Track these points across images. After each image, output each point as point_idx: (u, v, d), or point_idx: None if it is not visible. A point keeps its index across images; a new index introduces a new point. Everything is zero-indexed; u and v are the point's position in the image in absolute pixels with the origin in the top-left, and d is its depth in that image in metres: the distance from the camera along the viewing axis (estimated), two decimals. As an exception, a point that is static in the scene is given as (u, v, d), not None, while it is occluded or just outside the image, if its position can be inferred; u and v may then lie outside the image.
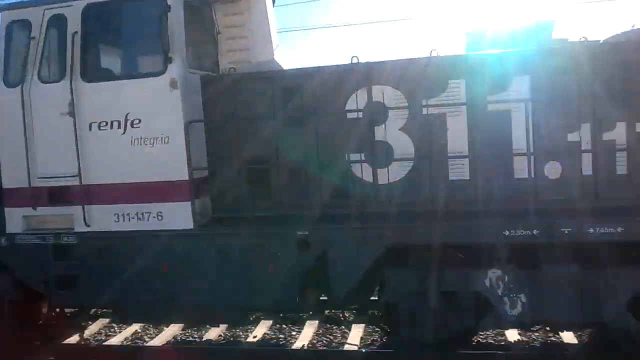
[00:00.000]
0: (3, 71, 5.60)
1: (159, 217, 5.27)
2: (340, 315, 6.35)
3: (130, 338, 6.42)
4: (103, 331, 6.68)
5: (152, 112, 5.21)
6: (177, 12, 5.15)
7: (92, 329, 6.71)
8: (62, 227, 5.54)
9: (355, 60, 5.07)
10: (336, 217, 5.06)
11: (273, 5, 6.45)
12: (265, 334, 6.31)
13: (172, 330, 6.47)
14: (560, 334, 5.70)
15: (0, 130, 5.62)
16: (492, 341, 5.81)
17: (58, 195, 5.50)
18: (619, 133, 4.72)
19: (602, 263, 4.62)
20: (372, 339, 6.05)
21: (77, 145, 5.34)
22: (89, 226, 5.41)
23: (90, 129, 5.34)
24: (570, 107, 4.78)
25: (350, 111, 5.13)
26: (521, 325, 5.21)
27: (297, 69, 5.52)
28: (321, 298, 5.58)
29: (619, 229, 4.44)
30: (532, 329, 5.81)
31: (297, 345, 5.92)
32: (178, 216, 5.22)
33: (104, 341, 6.34)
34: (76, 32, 5.33)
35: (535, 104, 4.77)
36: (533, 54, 4.91)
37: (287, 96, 5.24)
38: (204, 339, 6.30)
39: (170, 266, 5.24)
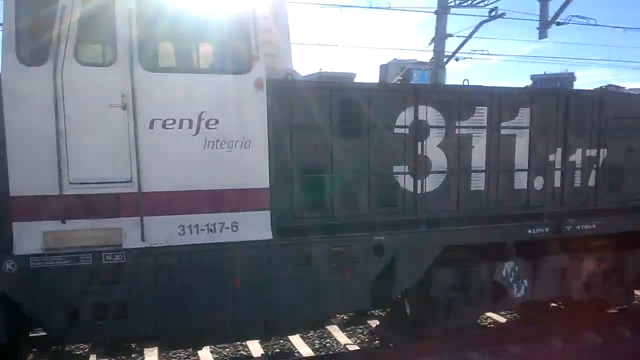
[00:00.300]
0: (15, 43, 4.30)
1: (234, 228, 4.88)
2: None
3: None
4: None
5: (233, 113, 4.81)
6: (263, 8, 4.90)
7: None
8: (100, 245, 4.57)
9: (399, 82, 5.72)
10: (401, 224, 5.61)
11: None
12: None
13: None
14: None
15: (14, 120, 4.30)
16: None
17: (103, 205, 4.54)
18: (577, 156, 6.58)
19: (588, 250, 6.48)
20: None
21: (136, 145, 4.53)
22: (144, 241, 4.64)
23: (151, 127, 4.58)
24: (551, 136, 6.41)
25: (398, 127, 5.73)
26: (524, 304, 6.66)
27: (356, 83, 5.79)
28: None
29: (593, 225, 6.28)
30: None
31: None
32: (256, 226, 4.94)
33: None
34: (131, 8, 4.51)
35: (533, 131, 6.26)
36: (534, 92, 6.40)
37: (345, 108, 5.52)
38: None
39: (244, 281, 4.93)
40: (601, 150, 6.62)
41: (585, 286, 6.54)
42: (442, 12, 16.95)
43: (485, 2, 16.45)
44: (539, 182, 6.40)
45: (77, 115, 4.39)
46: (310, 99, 5.38)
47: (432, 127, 5.85)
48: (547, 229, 6.10)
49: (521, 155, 6.27)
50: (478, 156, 6.10)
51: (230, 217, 4.88)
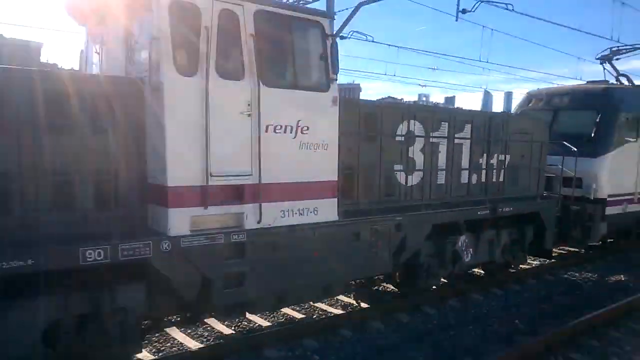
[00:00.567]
0: (172, 56, 5.13)
1: (315, 212, 6.29)
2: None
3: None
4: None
5: (318, 122, 6.21)
6: (335, 41, 6.39)
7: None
8: (228, 226, 5.60)
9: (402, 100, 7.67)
10: (407, 209, 7.55)
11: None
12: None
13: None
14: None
15: (172, 122, 5.12)
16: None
17: (234, 194, 5.57)
18: (494, 160, 9.25)
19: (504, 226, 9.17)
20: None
21: (259, 145, 5.67)
22: (259, 223, 5.78)
23: (266, 131, 5.77)
24: (480, 145, 8.95)
25: (399, 135, 7.67)
26: (470, 267, 9.05)
27: (373, 101, 7.50)
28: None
29: (507, 209, 9.00)
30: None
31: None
32: (328, 210, 6.43)
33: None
34: (252, 34, 5.65)
35: (471, 142, 8.73)
36: (474, 113, 8.86)
37: (366, 120, 7.27)
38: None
39: (320, 252, 6.36)
40: (506, 155, 9.41)
41: (502, 251, 9.29)
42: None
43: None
44: (474, 178, 8.93)
45: (217, 120, 5.42)
46: (361, 115, 7.07)
47: (417, 135, 7.91)
48: (487, 211, 8.64)
49: (465, 158, 8.70)
50: (442, 159, 8.35)
51: (313, 203, 6.30)
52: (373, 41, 15.59)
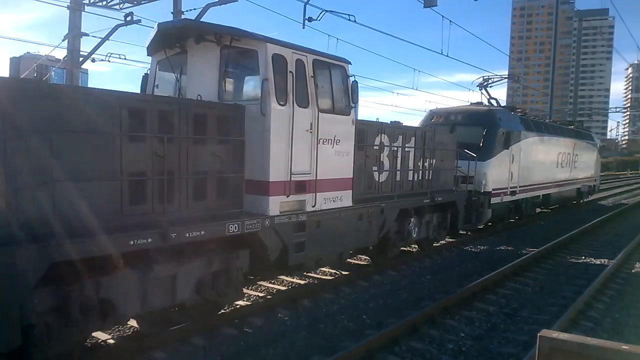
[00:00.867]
0: (275, 92, 7.59)
1: (340, 199, 9.09)
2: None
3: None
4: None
5: (343, 137, 9.01)
6: (355, 80, 9.21)
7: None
8: (297, 209, 8.16)
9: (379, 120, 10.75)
10: (382, 199, 10.59)
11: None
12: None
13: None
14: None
15: (278, 138, 7.59)
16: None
17: (301, 187, 8.15)
18: (427, 163, 12.69)
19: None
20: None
21: (317, 152, 8.32)
22: (313, 207, 8.42)
23: (320, 143, 8.43)
24: (420, 152, 12.31)
25: (375, 145, 10.70)
26: (415, 241, 12.34)
27: (363, 120, 10.39)
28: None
29: (439, 199, 12.51)
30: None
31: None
32: (347, 198, 9.26)
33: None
34: (312, 76, 8.29)
35: (414, 149, 12.06)
36: (416, 128, 12.20)
37: (359, 134, 10.18)
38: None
39: (342, 228, 9.15)
40: (433, 160, 12.93)
41: (433, 230, 12.81)
42: (75, 9, 16.73)
43: (121, 6, 17.22)
44: (416, 176, 12.27)
45: (295, 135, 7.99)
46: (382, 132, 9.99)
47: (385, 145, 11.02)
48: (428, 200, 12.04)
49: (411, 162, 12.00)
50: (399, 162, 11.55)
51: (340, 193, 9.10)
52: None
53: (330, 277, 10.69)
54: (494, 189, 15.56)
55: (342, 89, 9.14)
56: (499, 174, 15.86)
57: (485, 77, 18.64)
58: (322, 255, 9.12)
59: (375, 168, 10.75)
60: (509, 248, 14.45)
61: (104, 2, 17.33)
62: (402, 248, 12.32)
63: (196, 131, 7.05)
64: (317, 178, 8.54)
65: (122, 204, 6.16)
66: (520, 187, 17.34)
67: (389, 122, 12.28)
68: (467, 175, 14.36)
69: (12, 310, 5.01)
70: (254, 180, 7.78)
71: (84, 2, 16.99)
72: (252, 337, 7.31)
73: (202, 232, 6.76)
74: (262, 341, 7.17)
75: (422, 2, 17.76)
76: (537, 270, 11.95)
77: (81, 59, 17.18)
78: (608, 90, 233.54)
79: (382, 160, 10.92)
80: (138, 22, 15.39)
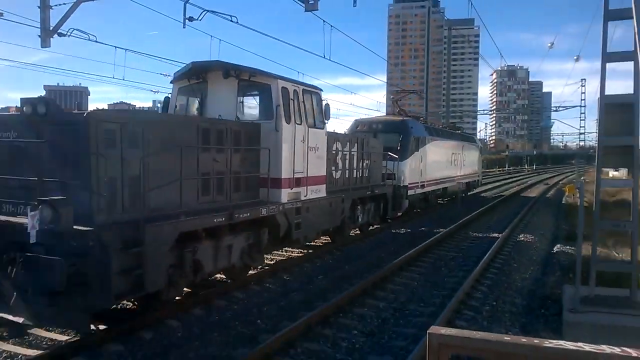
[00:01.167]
0: (283, 114, 10.77)
1: (320, 192, 12.42)
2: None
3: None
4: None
5: (321, 145, 12.38)
6: (327, 103, 12.61)
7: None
8: (296, 199, 11.37)
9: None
10: (339, 192, 14.06)
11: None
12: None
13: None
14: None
15: (287, 148, 10.77)
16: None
17: (298, 182, 11.39)
18: (364, 164, 16.38)
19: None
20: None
21: (307, 157, 11.58)
22: (305, 197, 11.68)
23: (309, 150, 11.72)
24: (360, 154, 15.98)
25: (333, 150, 14.18)
26: (361, 224, 15.92)
27: (333, 132, 13.75)
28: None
29: (377, 191, 16.27)
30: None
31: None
32: (323, 190, 12.63)
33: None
34: (302, 101, 11.58)
35: (357, 153, 15.73)
36: (357, 135, 15.85)
37: (330, 141, 13.59)
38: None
39: (321, 212, 12.50)
40: (368, 161, 16.65)
41: (371, 216, 16.52)
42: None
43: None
44: (358, 174, 15.89)
45: (296, 145, 11.26)
46: (345, 138, 13.36)
47: (339, 150, 14.52)
48: (369, 192, 15.73)
49: (355, 162, 15.61)
50: (348, 163, 15.10)
51: (319, 187, 12.48)
52: (96, 41, 15.84)
53: (316, 245, 14.03)
54: (410, 183, 19.71)
55: (319, 110, 12.52)
56: (413, 171, 20.07)
57: (397, 91, 22.97)
58: (310, 232, 12.44)
59: (333, 168, 14.22)
60: (424, 229, 18.61)
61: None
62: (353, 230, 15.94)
63: (235, 143, 10.08)
64: (308, 175, 11.87)
65: (198, 195, 9.08)
66: (427, 181, 21.74)
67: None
68: (391, 173, 18.32)
69: (161, 261, 7.82)
70: (270, 177, 10.91)
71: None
72: (275, 290, 10.46)
73: (249, 214, 9.85)
74: (280, 293, 10.37)
75: (304, 6, 17.03)
76: (449, 241, 16.13)
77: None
78: (476, 94, 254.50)
79: (337, 161, 14.42)
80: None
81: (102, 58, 27.97)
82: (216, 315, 8.73)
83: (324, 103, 12.68)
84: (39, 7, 14.94)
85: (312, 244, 14.42)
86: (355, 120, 21.69)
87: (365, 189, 15.84)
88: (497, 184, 48.58)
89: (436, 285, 10.96)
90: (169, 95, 11.96)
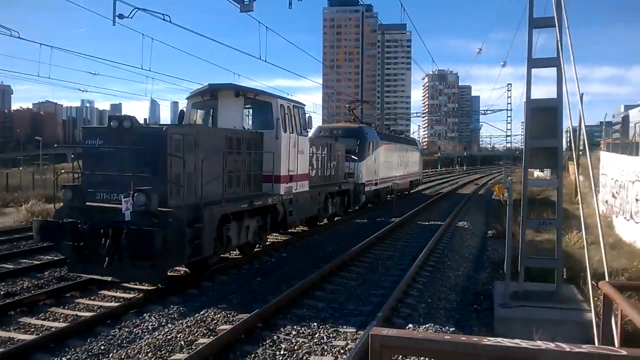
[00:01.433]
0: (282, 125, 13.96)
1: (305, 186, 15.70)
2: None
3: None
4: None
5: (305, 149, 15.68)
6: (310, 115, 15.90)
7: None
8: (289, 191, 14.57)
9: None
10: (316, 187, 17.40)
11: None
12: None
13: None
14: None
15: (287, 152, 13.98)
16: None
17: (291, 178, 14.61)
18: (333, 163, 19.79)
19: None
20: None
21: (297, 159, 14.83)
22: (295, 190, 14.91)
23: (298, 153, 14.96)
24: (329, 156, 19.37)
25: (310, 153, 17.49)
26: (332, 213, 19.27)
27: (311, 138, 17.03)
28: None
29: (344, 186, 19.72)
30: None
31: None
32: (306, 186, 15.94)
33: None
34: (293, 115, 14.82)
35: (329, 156, 19.12)
36: (327, 141, 19.27)
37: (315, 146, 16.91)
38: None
39: (305, 202, 15.76)
40: (335, 161, 20.05)
41: (337, 206, 19.92)
42: None
43: None
44: (328, 172, 19.25)
45: (290, 150, 14.50)
46: (318, 143, 16.64)
47: (313, 153, 17.83)
48: (337, 187, 19.13)
49: (326, 163, 18.96)
50: (320, 163, 18.44)
51: (304, 182, 15.81)
52: (19, 37, 16.00)
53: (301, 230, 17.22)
54: (366, 181, 23.28)
55: (303, 121, 15.79)
56: (368, 170, 23.68)
57: (351, 101, 26.67)
58: (298, 218, 15.71)
59: (310, 167, 17.52)
60: (381, 219, 22.22)
61: None
62: (325, 219, 19.29)
63: (247, 147, 13.19)
64: (297, 173, 15.12)
65: (224, 188, 12.15)
66: (379, 179, 25.42)
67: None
68: (351, 172, 21.81)
69: (207, 238, 10.84)
70: (271, 175, 14.05)
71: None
72: (279, 260, 13.62)
73: (261, 202, 13.01)
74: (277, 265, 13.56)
75: (239, 7, 17.23)
76: (404, 228, 19.75)
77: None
78: (409, 97, 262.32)
79: (313, 162, 17.73)
80: None
81: (26, 55, 27.43)
82: (247, 274, 12.03)
83: (307, 116, 15.98)
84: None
85: (293, 230, 17.66)
86: (319, 126, 25.21)
87: (335, 185, 19.26)
88: (432, 184, 53.24)
89: (396, 257, 14.51)
90: (184, 109, 14.88)
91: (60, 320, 8.92)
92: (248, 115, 14.67)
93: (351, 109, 27.29)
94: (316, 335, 7.89)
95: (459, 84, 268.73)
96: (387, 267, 12.94)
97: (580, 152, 26.01)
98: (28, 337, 7.94)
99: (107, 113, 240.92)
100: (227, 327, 8.05)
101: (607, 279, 5.64)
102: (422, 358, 5.45)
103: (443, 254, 14.63)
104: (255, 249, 14.02)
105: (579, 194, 10.77)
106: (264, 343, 7.64)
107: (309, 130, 16.19)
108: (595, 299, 7.45)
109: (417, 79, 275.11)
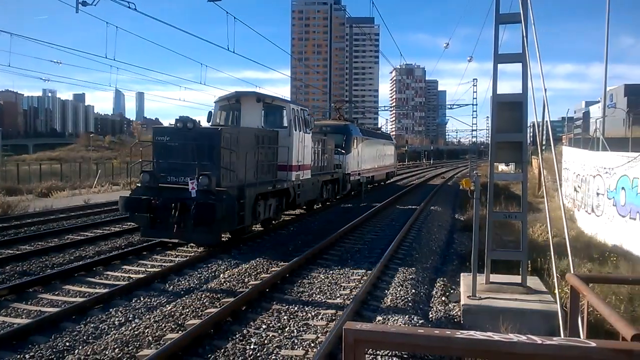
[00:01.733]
0: (294, 125, 17.76)
1: (308, 175, 19.56)
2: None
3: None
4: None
5: (308, 143, 19.55)
6: (312, 116, 19.73)
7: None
8: (297, 178, 18.39)
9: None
10: (316, 175, 21.30)
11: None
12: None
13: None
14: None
15: (297, 146, 17.78)
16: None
17: (299, 168, 18.46)
18: (324, 155, 23.69)
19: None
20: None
21: (303, 152, 18.68)
22: (302, 177, 18.77)
23: (304, 147, 18.79)
24: (322, 149, 23.24)
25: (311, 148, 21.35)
26: (325, 199, 23.22)
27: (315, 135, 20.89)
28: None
29: (335, 175, 23.66)
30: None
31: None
32: (309, 174, 19.80)
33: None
34: (300, 117, 18.64)
35: (322, 150, 23.02)
36: (321, 137, 23.19)
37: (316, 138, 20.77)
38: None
39: (309, 187, 19.64)
40: (327, 154, 23.92)
41: (329, 193, 23.83)
42: None
43: None
44: (322, 163, 23.11)
45: (299, 144, 18.32)
46: (315, 138, 20.50)
47: (312, 146, 21.67)
48: (330, 176, 23.04)
49: (321, 155, 22.83)
50: (317, 156, 22.29)
51: (308, 171, 19.68)
52: None
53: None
54: (352, 171, 27.25)
55: (306, 120, 19.60)
56: (353, 162, 27.68)
57: (337, 101, 30.50)
58: (304, 200, 19.59)
59: (310, 159, 21.35)
60: (364, 204, 26.21)
61: None
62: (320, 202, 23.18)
63: (268, 143, 16.94)
64: (303, 163, 18.96)
65: (257, 174, 15.86)
66: (361, 170, 29.46)
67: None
68: (339, 163, 25.73)
69: (248, 210, 14.60)
70: (285, 165, 17.83)
71: None
72: (292, 232, 17.43)
73: (280, 186, 16.83)
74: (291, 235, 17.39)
75: (208, -4, 16.17)
76: (382, 212, 23.75)
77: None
78: (377, 91, 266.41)
79: (312, 154, 21.55)
80: None
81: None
82: (274, 240, 15.85)
83: (309, 117, 19.84)
84: None
85: (294, 212, 21.49)
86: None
87: (328, 174, 23.19)
88: (400, 177, 57.67)
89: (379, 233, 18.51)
90: (212, 111, 18.54)
91: (23, 316, 8.91)
92: (265, 117, 18.41)
93: (337, 108, 31.24)
94: (339, 271, 11.89)
95: (426, 79, 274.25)
96: (380, 238, 16.91)
97: (544, 147, 27.61)
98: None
99: (70, 103, 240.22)
100: (277, 268, 11.91)
101: (572, 272, 5.74)
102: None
103: (421, 227, 18.71)
104: (272, 224, 17.90)
105: (543, 187, 10.50)
106: (302, 278, 11.57)
107: (311, 128, 20.03)
108: (560, 290, 7.73)
109: (385, 73, 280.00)
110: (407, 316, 8.81)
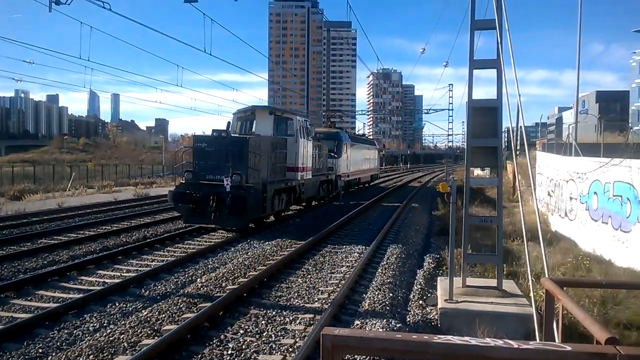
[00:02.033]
0: (301, 131, 21.72)
1: (309, 175, 23.51)
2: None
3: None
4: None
5: (309, 149, 23.55)
6: (313, 126, 23.72)
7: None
8: (302, 178, 22.33)
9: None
10: (315, 175, 25.29)
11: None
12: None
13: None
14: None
15: (301, 151, 21.75)
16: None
17: (303, 169, 22.42)
18: (321, 158, 27.70)
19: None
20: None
21: (306, 156, 22.64)
22: (305, 177, 22.73)
23: (308, 152, 22.75)
24: (320, 153, 27.22)
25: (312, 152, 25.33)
26: (321, 197, 27.19)
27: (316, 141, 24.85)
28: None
29: (330, 176, 27.68)
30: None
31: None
32: (310, 174, 23.79)
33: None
34: (305, 127, 22.62)
35: (319, 154, 27.01)
36: (319, 144, 27.24)
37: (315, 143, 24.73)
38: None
39: (310, 186, 23.59)
40: (322, 158, 27.90)
41: (325, 192, 27.82)
42: None
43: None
44: (319, 165, 27.06)
45: (303, 150, 22.28)
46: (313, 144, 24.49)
47: (313, 148, 25.62)
48: (327, 177, 27.03)
49: (319, 158, 26.79)
50: (315, 159, 26.23)
51: (309, 172, 23.73)
52: None
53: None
54: (342, 173, 31.29)
55: (308, 129, 23.55)
56: (343, 165, 31.75)
57: (329, 110, 34.49)
58: (306, 197, 23.53)
59: (310, 162, 25.29)
60: (353, 202, 30.18)
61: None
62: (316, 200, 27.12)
63: (280, 148, 20.82)
64: (306, 166, 22.91)
65: (274, 174, 19.73)
66: (350, 173, 33.55)
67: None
68: (331, 166, 29.73)
69: (268, 202, 18.49)
70: (293, 166, 21.72)
71: None
72: (299, 222, 21.31)
73: (289, 184, 20.75)
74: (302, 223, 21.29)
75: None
76: (373, 207, 27.76)
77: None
78: (354, 94, 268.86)
79: (312, 158, 25.48)
80: None
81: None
82: (287, 227, 19.73)
83: (310, 127, 23.82)
84: None
85: (296, 208, 25.36)
86: (307, 131, 33.23)
87: (324, 175, 27.18)
88: (380, 180, 61.90)
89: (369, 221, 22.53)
90: (230, 121, 22.38)
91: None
92: (276, 127, 22.27)
93: (328, 117, 35.34)
94: (344, 248, 15.85)
95: (403, 83, 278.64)
96: (370, 229, 20.92)
97: (518, 152, 28.63)
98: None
99: (44, 104, 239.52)
100: (290, 249, 15.84)
101: (547, 275, 5.71)
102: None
103: (405, 219, 22.76)
104: (283, 215, 21.82)
105: (518, 191, 9.97)
106: (314, 254, 15.52)
107: (312, 135, 23.99)
108: (535, 293, 7.85)
109: (362, 77, 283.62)
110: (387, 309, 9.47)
